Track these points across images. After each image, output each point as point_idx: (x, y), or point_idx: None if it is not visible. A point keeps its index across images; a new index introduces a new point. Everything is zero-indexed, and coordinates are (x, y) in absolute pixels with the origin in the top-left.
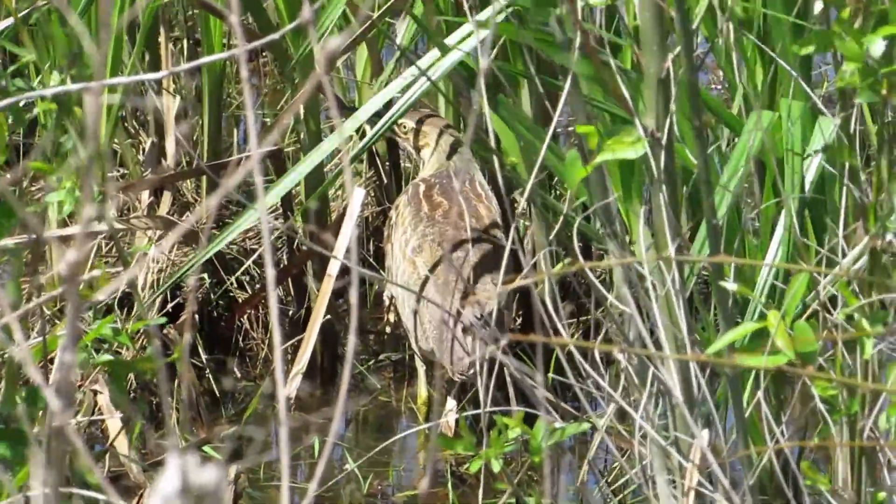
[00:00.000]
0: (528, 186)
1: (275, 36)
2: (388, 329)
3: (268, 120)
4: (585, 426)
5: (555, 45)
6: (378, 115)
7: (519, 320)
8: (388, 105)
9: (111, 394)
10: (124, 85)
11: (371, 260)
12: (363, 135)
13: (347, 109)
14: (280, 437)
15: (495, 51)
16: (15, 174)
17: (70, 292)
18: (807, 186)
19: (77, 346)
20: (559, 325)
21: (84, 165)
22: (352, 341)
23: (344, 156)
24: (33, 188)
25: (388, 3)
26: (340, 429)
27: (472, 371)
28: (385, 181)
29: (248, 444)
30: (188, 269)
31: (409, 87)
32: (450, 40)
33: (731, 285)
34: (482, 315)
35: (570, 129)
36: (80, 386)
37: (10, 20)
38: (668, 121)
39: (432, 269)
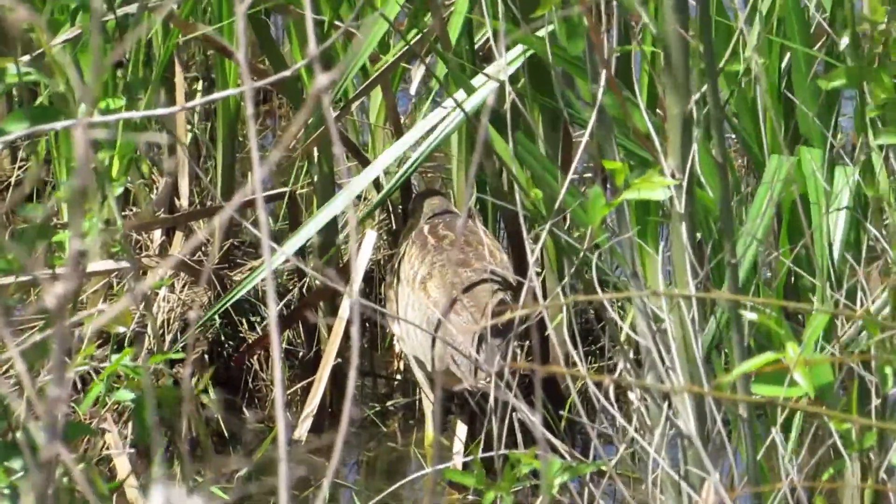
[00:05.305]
0: (548, 223)
1: (285, 73)
2: (397, 374)
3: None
4: (599, 464)
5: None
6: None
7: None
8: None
9: (135, 428)
10: (137, 121)
11: (383, 302)
12: (377, 181)
13: (361, 157)
14: (280, 472)
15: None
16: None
17: (57, 325)
18: (834, 234)
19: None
20: (575, 357)
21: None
22: (352, 377)
23: (351, 218)
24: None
25: (406, 46)
26: (351, 473)
27: (487, 380)
28: (396, 226)
29: (257, 485)
30: (212, 314)
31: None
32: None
33: (751, 315)
34: (502, 327)
35: (586, 175)
36: (89, 423)
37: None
38: (689, 160)
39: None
